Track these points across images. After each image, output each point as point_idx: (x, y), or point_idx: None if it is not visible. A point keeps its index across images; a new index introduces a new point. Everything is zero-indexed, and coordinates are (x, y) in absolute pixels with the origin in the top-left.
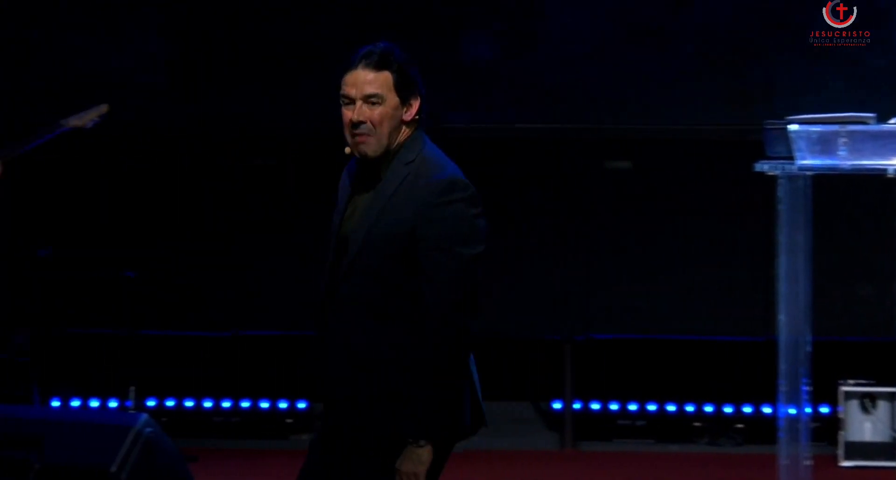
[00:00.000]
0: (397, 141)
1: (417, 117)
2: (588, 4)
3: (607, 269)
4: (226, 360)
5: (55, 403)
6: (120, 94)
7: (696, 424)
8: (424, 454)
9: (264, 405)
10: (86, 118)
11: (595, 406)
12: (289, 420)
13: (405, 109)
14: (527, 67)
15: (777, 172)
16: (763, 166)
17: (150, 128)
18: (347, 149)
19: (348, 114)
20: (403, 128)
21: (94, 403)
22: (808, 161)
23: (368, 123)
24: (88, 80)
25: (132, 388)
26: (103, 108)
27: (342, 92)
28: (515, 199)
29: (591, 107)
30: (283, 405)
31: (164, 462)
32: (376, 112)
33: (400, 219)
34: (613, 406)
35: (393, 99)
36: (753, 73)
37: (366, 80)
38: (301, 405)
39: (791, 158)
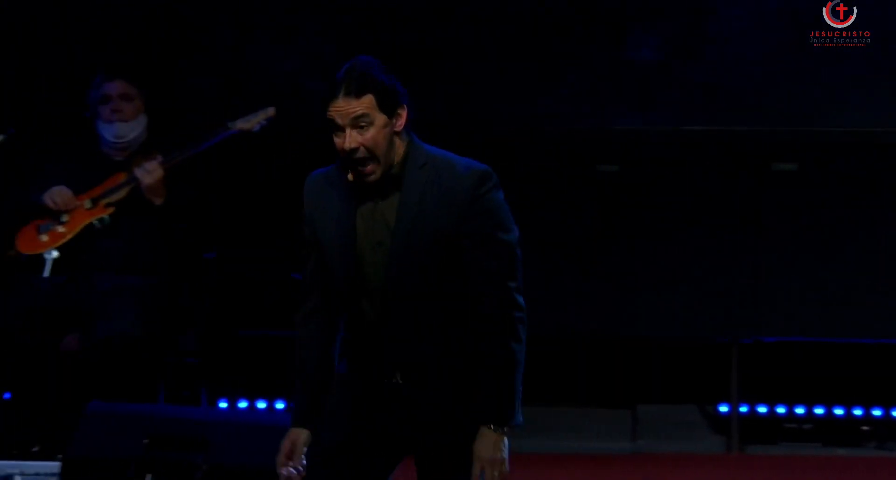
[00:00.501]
0: (396, 152)
1: (406, 122)
2: (756, 4)
3: (775, 272)
4: None
5: (222, 405)
6: (287, 98)
7: (864, 428)
8: (504, 440)
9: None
10: (253, 121)
11: (762, 409)
12: None
13: (395, 121)
14: (693, 69)
15: None
16: None
17: (317, 132)
18: (350, 176)
19: (339, 142)
20: (397, 139)
21: (261, 404)
22: None
23: (362, 149)
24: (256, 83)
25: None
26: (270, 112)
27: (329, 118)
28: (682, 200)
29: (758, 108)
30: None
31: None
32: (368, 135)
33: (439, 221)
34: (780, 410)
35: (380, 118)
36: None
37: (349, 109)
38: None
39: None
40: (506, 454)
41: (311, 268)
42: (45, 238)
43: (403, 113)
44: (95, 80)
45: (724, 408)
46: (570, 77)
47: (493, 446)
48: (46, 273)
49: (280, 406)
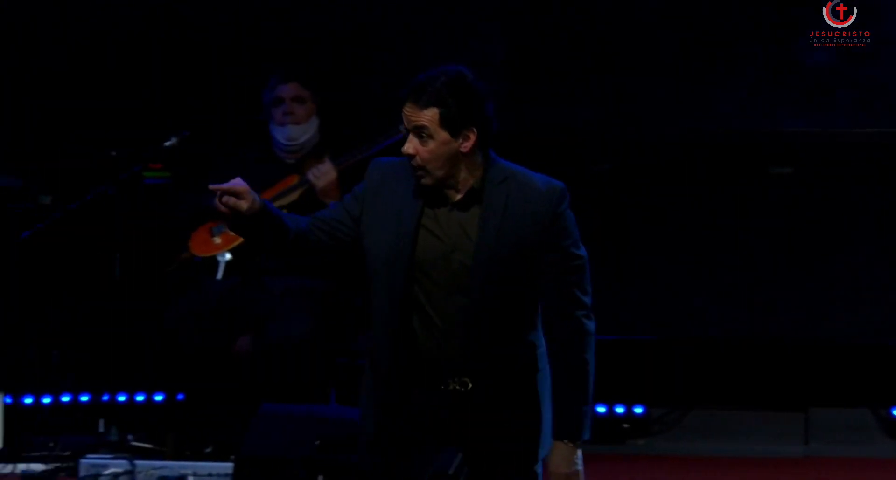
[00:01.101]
0: (469, 171)
1: (478, 144)
2: None
3: None
4: None
5: None
6: None
7: None
8: (578, 453)
9: (601, 409)
10: None
11: None
12: (625, 426)
13: (460, 142)
14: (868, 71)
15: None
16: None
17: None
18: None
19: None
20: (465, 158)
21: None
22: None
23: (417, 158)
24: None
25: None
26: None
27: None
28: (856, 202)
29: None
30: (619, 410)
31: None
32: (425, 149)
33: (521, 234)
34: None
35: (442, 134)
36: None
37: (412, 117)
38: (638, 410)
39: None
40: (580, 467)
41: (328, 216)
42: (217, 240)
43: (472, 135)
44: (269, 82)
45: None
46: (742, 79)
47: (569, 460)
48: (219, 275)
49: None
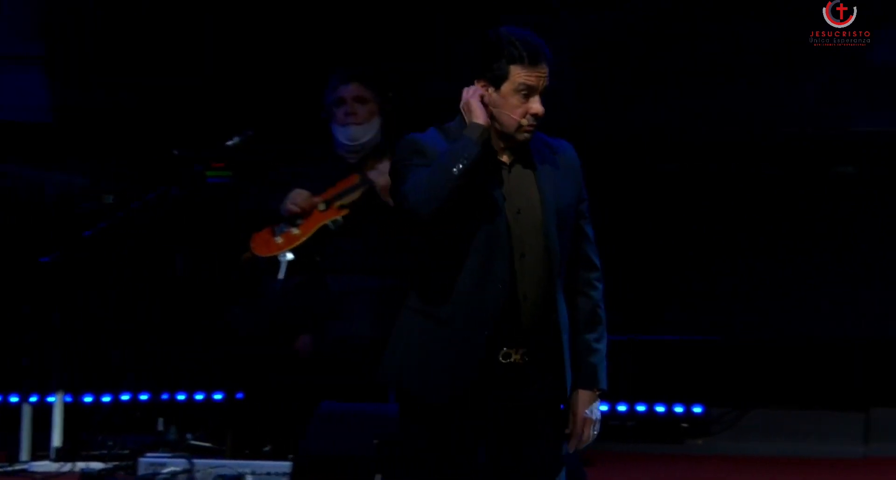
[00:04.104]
0: None
1: None
2: None
3: None
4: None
5: None
6: None
7: None
8: (598, 402)
9: (660, 409)
10: None
11: None
12: (684, 425)
13: None
14: None
15: None
16: None
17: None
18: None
19: (533, 106)
20: None
21: None
22: None
23: (539, 117)
24: None
25: None
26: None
27: (523, 81)
28: None
29: None
30: (678, 409)
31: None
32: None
33: (570, 191)
34: None
35: None
36: None
37: (545, 76)
38: (697, 409)
39: None
40: (598, 415)
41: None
42: (279, 240)
43: None
44: (331, 82)
45: None
46: (813, 79)
47: (594, 407)
48: (281, 275)
49: None
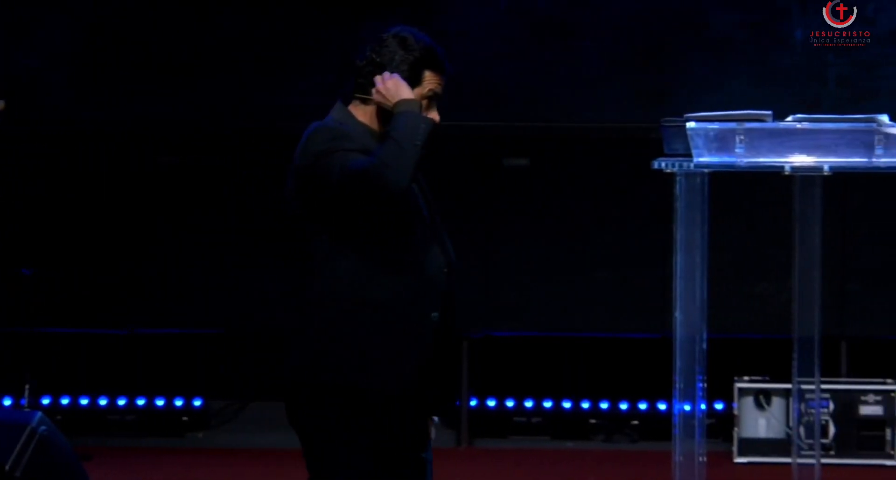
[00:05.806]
0: None
1: None
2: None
3: (506, 267)
4: (122, 358)
5: (490, 403)
6: (22, 91)
7: (592, 421)
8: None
9: (160, 403)
10: None
11: (491, 403)
12: (185, 419)
13: None
14: None
15: (674, 169)
16: (661, 163)
17: (51, 125)
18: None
19: (435, 114)
20: None
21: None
22: (705, 158)
23: None
24: None
25: (27, 386)
26: (0, 104)
27: (433, 88)
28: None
29: (492, 104)
30: (178, 402)
31: (58, 460)
32: None
33: None
34: (509, 404)
35: None
36: (657, 71)
37: (442, 84)
38: (197, 402)
39: (689, 156)
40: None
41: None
42: None
43: None
44: None
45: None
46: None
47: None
48: None
49: (7, 402)
